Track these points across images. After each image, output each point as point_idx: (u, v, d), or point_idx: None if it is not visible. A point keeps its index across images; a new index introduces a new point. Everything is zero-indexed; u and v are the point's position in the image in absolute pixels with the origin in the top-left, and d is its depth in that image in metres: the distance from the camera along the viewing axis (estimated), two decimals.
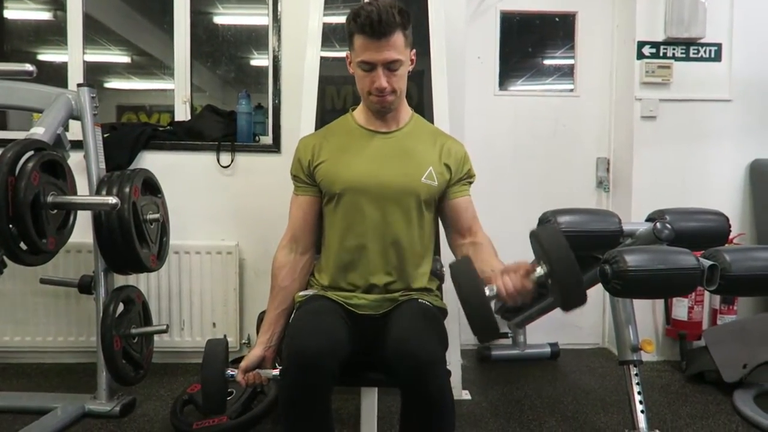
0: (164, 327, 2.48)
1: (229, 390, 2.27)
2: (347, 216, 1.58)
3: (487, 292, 1.30)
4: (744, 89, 3.12)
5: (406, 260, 1.59)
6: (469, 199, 1.68)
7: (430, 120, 2.44)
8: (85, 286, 2.46)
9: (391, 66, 1.51)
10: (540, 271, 1.29)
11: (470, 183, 1.69)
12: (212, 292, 2.95)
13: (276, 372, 1.50)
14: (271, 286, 1.65)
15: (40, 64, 2.22)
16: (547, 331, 3.14)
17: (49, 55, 3.69)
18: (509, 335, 3.13)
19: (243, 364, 1.55)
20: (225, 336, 1.64)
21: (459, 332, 2.52)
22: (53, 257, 2.08)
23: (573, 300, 1.26)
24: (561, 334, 3.23)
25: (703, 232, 1.97)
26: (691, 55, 3.09)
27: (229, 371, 1.53)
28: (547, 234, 1.30)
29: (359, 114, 1.68)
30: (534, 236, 1.34)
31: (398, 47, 1.49)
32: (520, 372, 2.95)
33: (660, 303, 3.11)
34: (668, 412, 2.46)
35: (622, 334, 2.07)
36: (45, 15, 3.58)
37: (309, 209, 1.65)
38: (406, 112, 1.68)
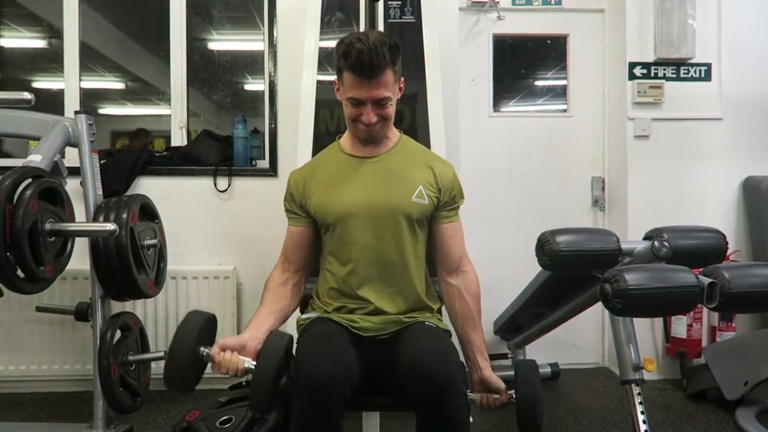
0: (162, 354, 2.45)
1: (228, 417, 2.25)
2: (342, 243, 1.59)
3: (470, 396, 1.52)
4: (734, 107, 3.16)
5: (403, 279, 1.59)
6: (456, 226, 1.66)
7: (426, 141, 2.45)
8: (82, 314, 2.43)
9: (380, 102, 1.51)
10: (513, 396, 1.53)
11: (457, 208, 1.67)
12: None
13: (254, 364, 1.39)
14: (262, 296, 1.62)
15: (35, 92, 2.22)
16: (547, 351, 3.12)
17: (44, 83, 3.71)
18: (509, 356, 3.11)
19: (221, 341, 1.44)
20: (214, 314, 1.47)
21: (459, 354, 2.49)
22: (50, 284, 2.07)
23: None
24: (561, 354, 3.21)
25: (701, 250, 1.98)
26: (682, 75, 3.14)
27: (204, 348, 1.40)
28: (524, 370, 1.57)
29: (346, 142, 1.67)
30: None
31: (388, 84, 1.49)
32: None
33: (659, 321, 3.11)
34: None
35: (623, 354, 2.06)
36: (40, 43, 3.61)
37: (301, 239, 1.66)
38: (394, 134, 1.67)
